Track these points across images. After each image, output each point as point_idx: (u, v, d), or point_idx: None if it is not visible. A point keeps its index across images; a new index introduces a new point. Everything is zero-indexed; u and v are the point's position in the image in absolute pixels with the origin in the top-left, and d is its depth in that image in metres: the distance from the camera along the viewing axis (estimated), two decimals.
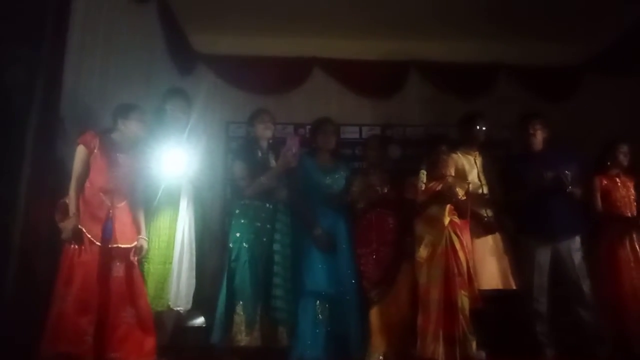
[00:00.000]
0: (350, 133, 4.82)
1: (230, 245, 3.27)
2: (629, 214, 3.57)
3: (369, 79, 4.85)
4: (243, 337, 3.11)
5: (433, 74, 4.92)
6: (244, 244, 3.23)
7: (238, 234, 3.26)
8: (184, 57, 4.53)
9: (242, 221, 3.29)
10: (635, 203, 3.59)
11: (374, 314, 3.36)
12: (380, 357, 3.28)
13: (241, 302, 3.16)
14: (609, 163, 3.67)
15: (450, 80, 4.86)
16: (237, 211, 3.34)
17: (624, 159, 3.66)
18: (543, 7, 4.37)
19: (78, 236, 2.74)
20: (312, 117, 3.95)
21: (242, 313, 3.14)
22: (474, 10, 4.43)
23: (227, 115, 4.78)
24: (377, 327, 3.33)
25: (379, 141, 3.98)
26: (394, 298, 3.38)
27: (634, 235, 3.52)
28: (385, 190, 3.53)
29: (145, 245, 3.06)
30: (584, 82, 4.91)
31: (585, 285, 3.39)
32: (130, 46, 3.62)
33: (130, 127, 3.03)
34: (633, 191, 3.62)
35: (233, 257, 3.24)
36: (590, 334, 3.35)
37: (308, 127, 4.11)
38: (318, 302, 3.32)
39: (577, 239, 3.47)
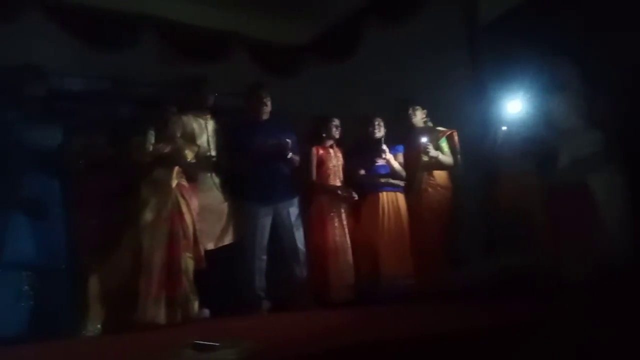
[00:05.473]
0: (73, 84, 4.26)
1: None
2: (338, 181, 4.07)
3: (95, 27, 4.34)
4: None
5: (168, 33, 4.71)
6: None
7: None
8: None
9: None
10: (342, 171, 4.10)
11: (93, 282, 3.17)
12: (98, 326, 3.12)
13: None
14: (324, 135, 4.11)
15: (184, 41, 4.72)
16: None
17: (336, 132, 4.13)
18: None
19: None
20: (24, 61, 3.36)
21: None
22: None
23: None
24: (96, 296, 3.16)
25: (108, 97, 3.68)
26: (116, 264, 3.21)
27: (339, 200, 4.02)
28: (110, 151, 3.31)
29: None
30: (306, 61, 5.34)
31: (300, 244, 3.78)
32: None
33: None
34: (342, 160, 4.13)
35: None
36: (297, 285, 3.75)
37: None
38: (22, 274, 2.96)
39: (295, 202, 3.84)
